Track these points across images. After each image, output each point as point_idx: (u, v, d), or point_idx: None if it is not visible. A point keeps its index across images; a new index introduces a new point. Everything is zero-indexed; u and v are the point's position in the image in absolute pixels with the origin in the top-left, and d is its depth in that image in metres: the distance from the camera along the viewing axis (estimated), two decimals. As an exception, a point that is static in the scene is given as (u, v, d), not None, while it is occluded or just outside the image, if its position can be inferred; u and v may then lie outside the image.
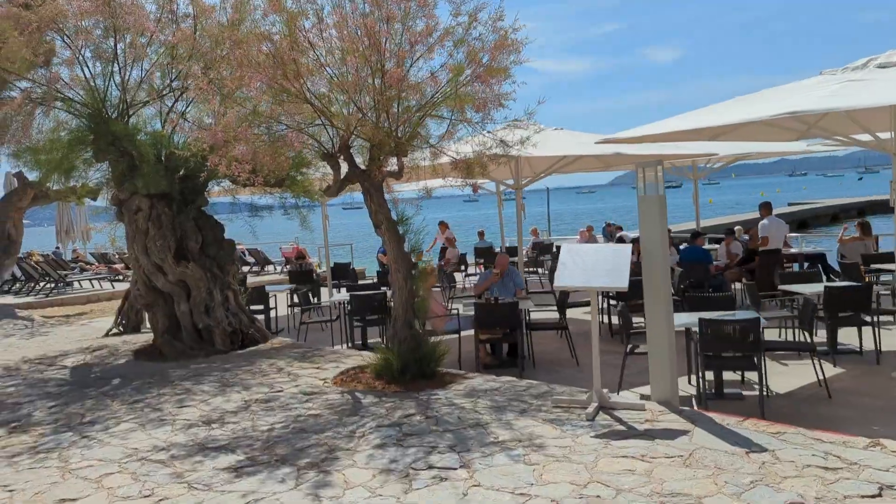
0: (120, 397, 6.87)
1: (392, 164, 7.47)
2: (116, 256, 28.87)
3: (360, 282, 16.50)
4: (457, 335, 8.59)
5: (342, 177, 7.44)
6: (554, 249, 19.70)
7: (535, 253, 18.57)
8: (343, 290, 14.59)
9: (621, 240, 16.39)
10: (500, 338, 8.32)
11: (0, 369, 8.64)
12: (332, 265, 16.29)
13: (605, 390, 5.58)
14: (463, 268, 17.91)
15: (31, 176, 13.52)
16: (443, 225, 20.60)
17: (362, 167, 7.37)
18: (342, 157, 7.33)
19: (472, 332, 8.11)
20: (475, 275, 17.68)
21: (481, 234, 19.73)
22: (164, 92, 8.93)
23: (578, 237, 17.67)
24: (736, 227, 14.80)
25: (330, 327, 10.54)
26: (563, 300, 9.02)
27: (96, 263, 26.73)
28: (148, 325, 12.08)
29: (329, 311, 11.04)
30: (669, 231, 8.00)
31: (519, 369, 7.90)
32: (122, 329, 11.69)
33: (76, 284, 20.91)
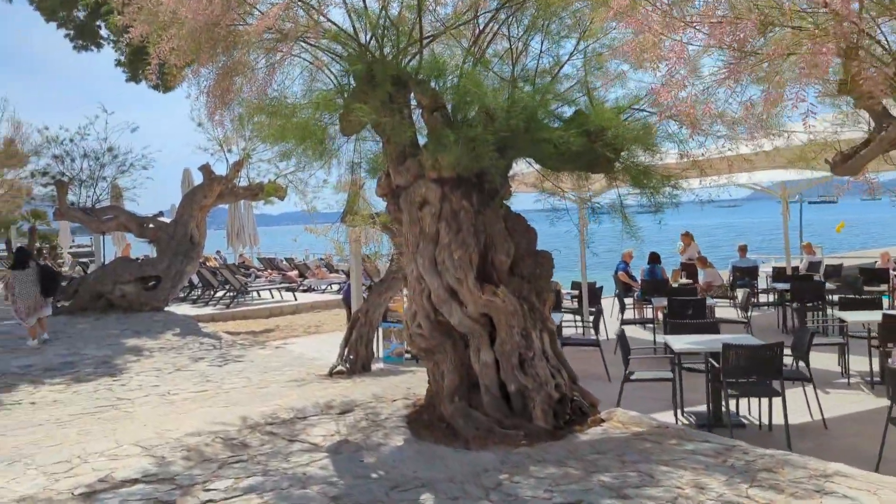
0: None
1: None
2: (284, 262, 27.07)
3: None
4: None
5: (881, 136, 3.69)
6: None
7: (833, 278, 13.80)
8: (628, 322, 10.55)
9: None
10: None
11: (218, 441, 5.62)
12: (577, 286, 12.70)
13: None
14: (733, 296, 13.68)
15: (237, 151, 10.97)
16: (686, 236, 16.48)
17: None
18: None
19: None
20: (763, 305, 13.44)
21: (743, 250, 15.39)
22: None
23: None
24: None
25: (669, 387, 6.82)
26: None
27: (267, 270, 24.80)
28: (378, 359, 8.89)
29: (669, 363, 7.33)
30: None
31: None
32: (348, 367, 8.65)
33: (253, 294, 18.72)
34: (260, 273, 23.81)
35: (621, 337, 7.22)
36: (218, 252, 30.96)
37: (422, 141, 6.10)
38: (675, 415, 6.63)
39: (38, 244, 34.44)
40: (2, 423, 7.03)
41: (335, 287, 21.47)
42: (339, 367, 8.60)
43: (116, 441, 5.67)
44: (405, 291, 10.29)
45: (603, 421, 5.84)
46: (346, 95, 6.15)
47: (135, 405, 7.56)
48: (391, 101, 5.62)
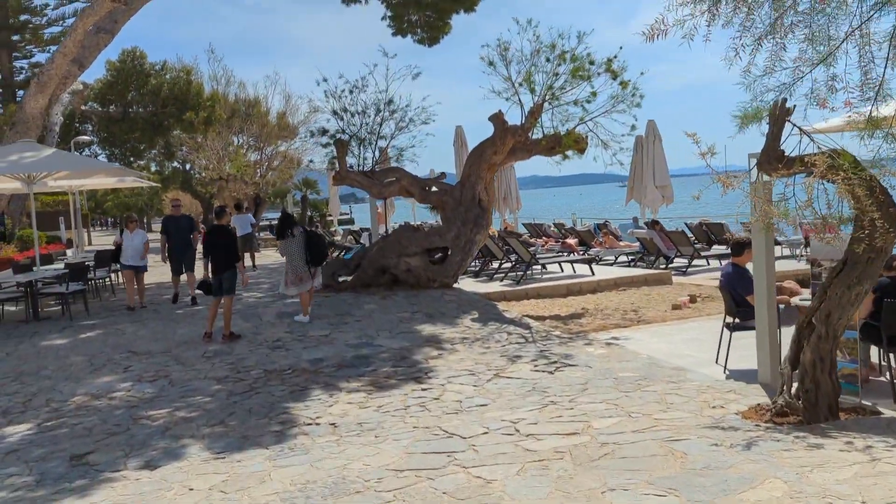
0: None
1: None
2: (552, 229, 24.21)
3: None
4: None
5: None
6: None
7: None
8: None
9: None
10: None
11: None
12: None
13: None
14: None
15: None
16: None
17: None
18: None
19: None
20: None
21: None
22: None
23: None
24: None
25: None
26: None
27: (537, 238, 22.04)
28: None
29: None
30: None
31: None
32: (797, 407, 5.18)
33: (536, 267, 15.95)
34: (532, 242, 21.10)
35: None
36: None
37: None
38: None
39: (309, 212, 35.75)
40: (304, 474, 4.75)
41: (622, 259, 18.09)
42: (785, 406, 5.18)
43: None
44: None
45: None
46: None
47: (480, 456, 4.89)
48: None
